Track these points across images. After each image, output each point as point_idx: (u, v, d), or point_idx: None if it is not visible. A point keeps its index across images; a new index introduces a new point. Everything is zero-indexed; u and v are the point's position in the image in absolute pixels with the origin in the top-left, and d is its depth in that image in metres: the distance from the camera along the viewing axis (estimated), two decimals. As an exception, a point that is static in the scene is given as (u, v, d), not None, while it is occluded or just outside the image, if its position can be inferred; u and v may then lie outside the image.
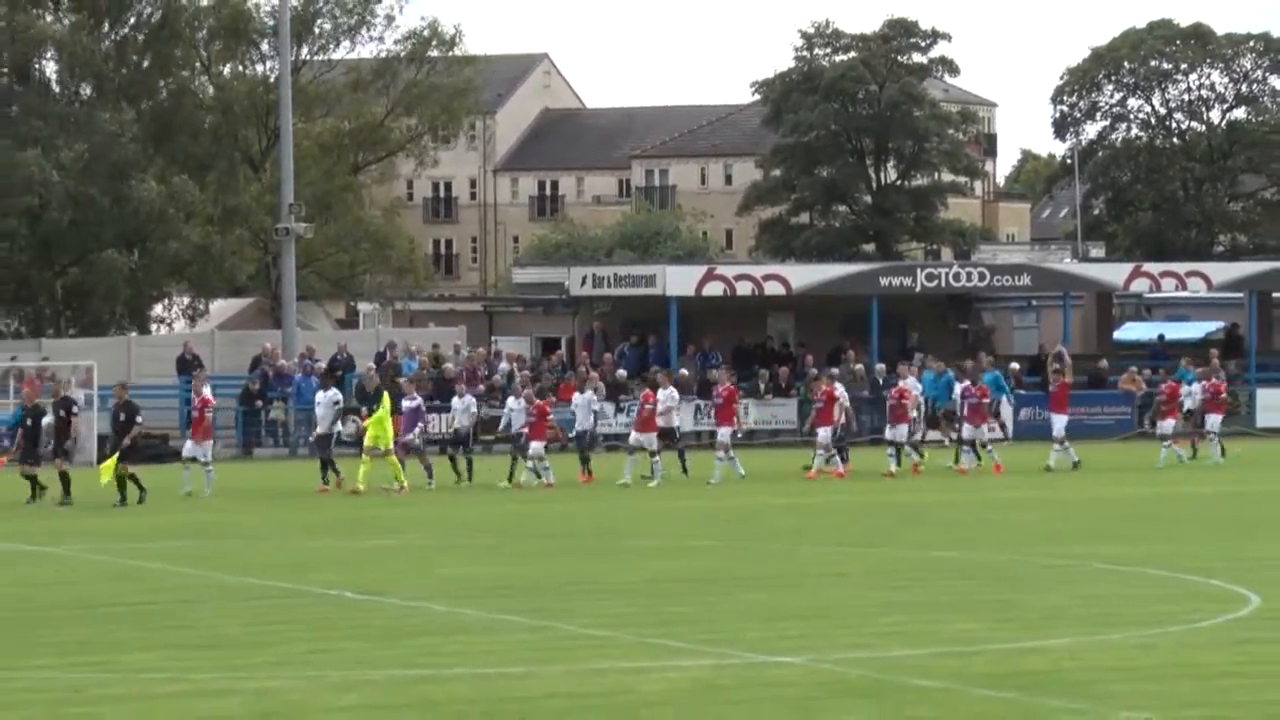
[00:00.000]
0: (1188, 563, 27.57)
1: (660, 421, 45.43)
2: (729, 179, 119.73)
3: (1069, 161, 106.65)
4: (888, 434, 47.33)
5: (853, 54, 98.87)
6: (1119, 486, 43.87)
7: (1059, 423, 48.37)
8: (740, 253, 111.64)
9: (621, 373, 61.16)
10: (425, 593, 25.30)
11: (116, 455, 40.32)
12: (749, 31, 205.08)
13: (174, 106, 72.27)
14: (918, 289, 64.78)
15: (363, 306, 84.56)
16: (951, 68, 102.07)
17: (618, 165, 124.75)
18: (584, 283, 66.32)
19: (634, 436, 45.58)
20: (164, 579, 27.79)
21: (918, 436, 48.24)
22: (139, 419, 41.31)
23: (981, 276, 66.72)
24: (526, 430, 44.44)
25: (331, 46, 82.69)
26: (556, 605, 23.94)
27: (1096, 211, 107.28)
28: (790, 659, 19.62)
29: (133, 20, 72.40)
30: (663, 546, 31.83)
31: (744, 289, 64.22)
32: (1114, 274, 69.03)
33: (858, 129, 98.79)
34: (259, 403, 59.40)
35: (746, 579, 26.91)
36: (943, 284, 65.55)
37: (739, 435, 47.83)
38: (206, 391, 44.14)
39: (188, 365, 60.03)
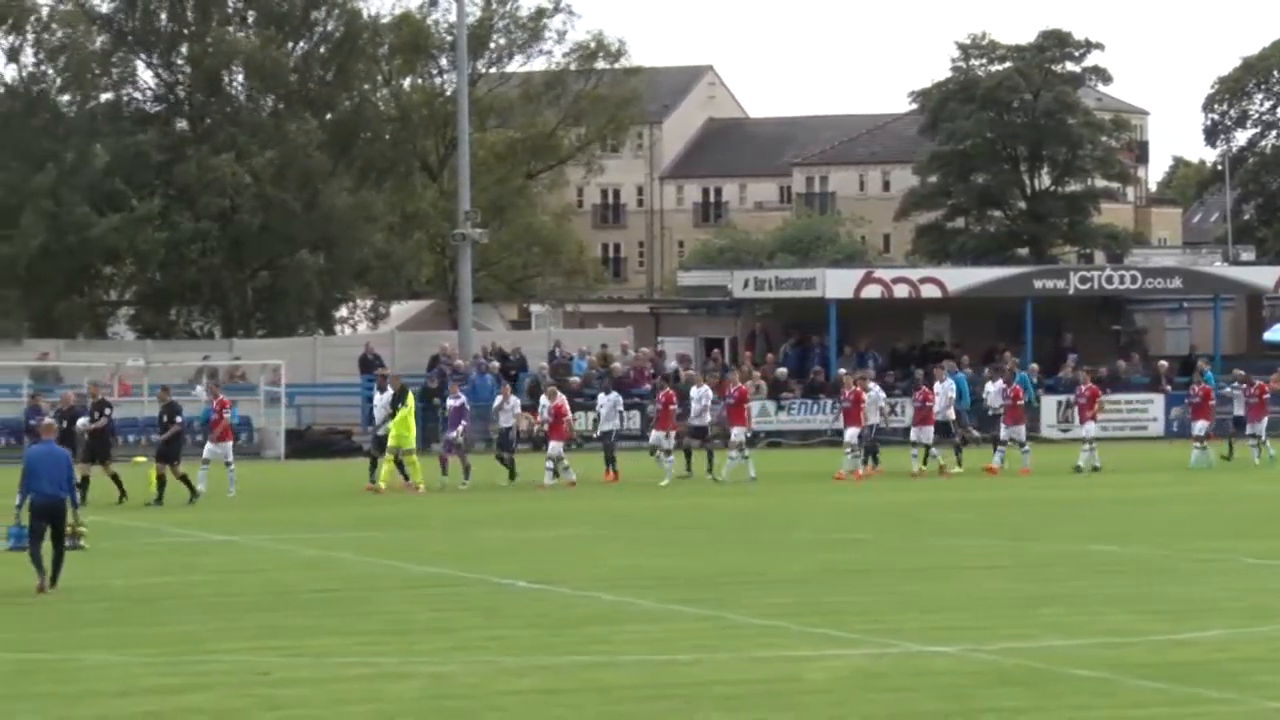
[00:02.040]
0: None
1: (696, 421, 44.94)
2: (887, 185, 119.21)
3: (1219, 168, 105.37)
4: (913, 435, 46.11)
5: (1008, 64, 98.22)
6: (1269, 483, 43.23)
7: (1199, 426, 47.62)
8: (898, 257, 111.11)
9: (782, 371, 61.18)
10: (595, 582, 25.38)
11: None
12: (906, 43, 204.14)
13: (356, 117, 72.85)
14: (1071, 291, 64.23)
15: (535, 308, 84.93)
16: (1104, 76, 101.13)
17: (779, 172, 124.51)
18: (746, 285, 66.46)
19: (733, 432, 44.75)
20: (349, 568, 28.05)
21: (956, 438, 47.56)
22: (179, 419, 40.85)
23: (1134, 279, 66.03)
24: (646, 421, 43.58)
25: (505, 60, 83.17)
26: (722, 595, 23.94)
27: (1247, 216, 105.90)
28: (947, 648, 19.52)
29: (317, 35, 73.09)
30: (822, 539, 31.75)
31: (901, 291, 63.97)
32: (1264, 276, 68.08)
33: (1012, 136, 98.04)
34: (436, 400, 59.78)
35: (904, 571, 26.78)
36: (1095, 286, 64.95)
37: (749, 434, 46.03)
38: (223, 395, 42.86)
39: (369, 365, 60.61)
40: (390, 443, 41.92)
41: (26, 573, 25.10)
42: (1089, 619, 21.55)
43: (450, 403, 44.06)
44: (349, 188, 69.19)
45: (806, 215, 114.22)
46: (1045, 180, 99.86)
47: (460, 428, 43.18)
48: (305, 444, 56.48)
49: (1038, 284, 64.28)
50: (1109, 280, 65.29)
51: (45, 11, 70.08)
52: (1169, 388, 59.37)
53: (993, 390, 48.17)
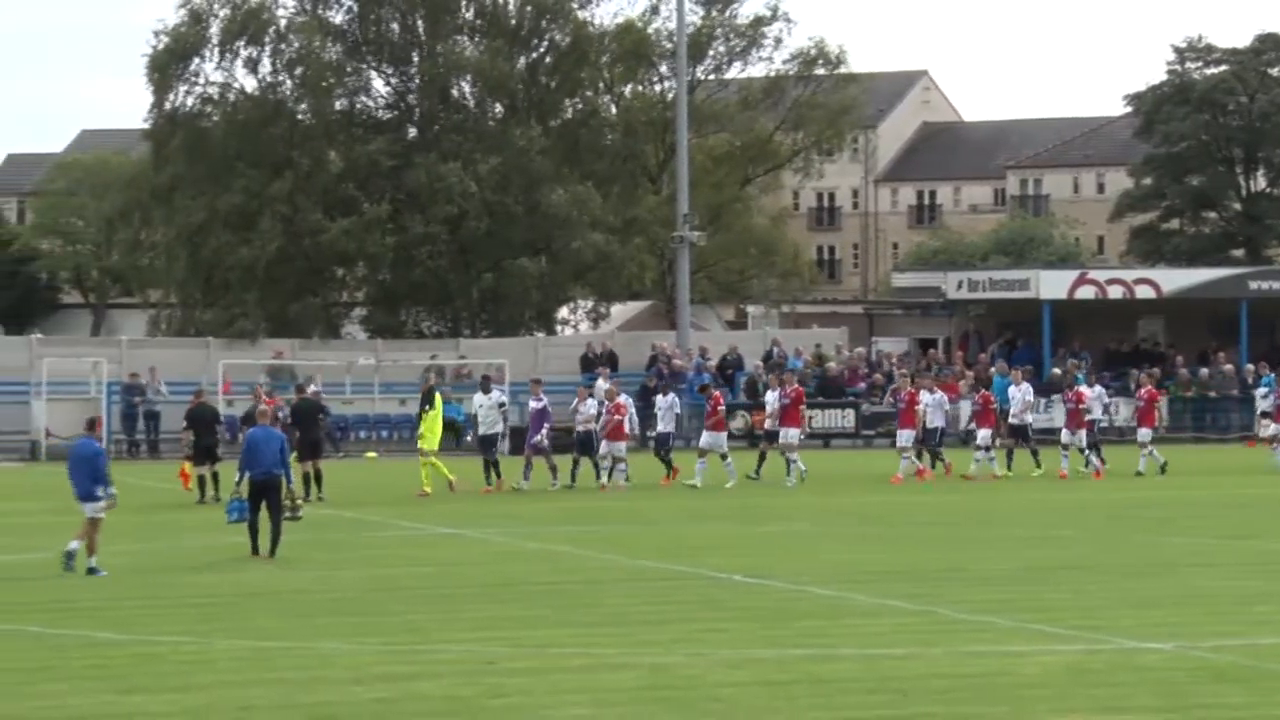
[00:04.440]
0: None
1: (768, 423, 43.97)
2: (1101, 188, 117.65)
3: None
4: (1064, 437, 44.90)
5: (1224, 67, 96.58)
6: None
7: None
8: (1112, 258, 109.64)
9: (993, 370, 60.54)
10: (810, 577, 25.28)
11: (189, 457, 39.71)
12: (1120, 46, 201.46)
13: (579, 124, 73.30)
14: (1286, 292, 63.08)
15: (751, 309, 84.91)
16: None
17: (993, 175, 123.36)
18: (960, 287, 65.98)
19: (783, 433, 43.81)
20: (570, 561, 28.19)
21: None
22: (219, 423, 40.93)
23: (1350, 281, 64.70)
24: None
25: (724, 67, 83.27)
26: (936, 590, 23.76)
27: None
28: (1160, 645, 19.22)
29: (544, 45, 73.61)
30: (1034, 536, 31.41)
31: (1115, 293, 63.20)
32: None
33: (1228, 139, 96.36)
34: (655, 398, 59.94)
35: (1116, 567, 26.41)
36: (1311, 288, 63.71)
37: (803, 437, 44.96)
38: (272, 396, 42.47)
39: (590, 364, 60.98)
40: (420, 445, 41.08)
41: (260, 568, 25.48)
42: (1304, 618, 21.12)
43: (533, 404, 42.77)
44: (570, 192, 69.63)
45: (1021, 217, 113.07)
46: (1261, 182, 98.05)
47: (545, 429, 42.22)
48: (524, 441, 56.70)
49: (1253, 285, 63.14)
50: (1325, 281, 64.04)
51: (283, 23, 71.26)
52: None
53: (1091, 395, 46.97)
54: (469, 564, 27.89)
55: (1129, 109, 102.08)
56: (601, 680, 17.64)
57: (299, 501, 29.03)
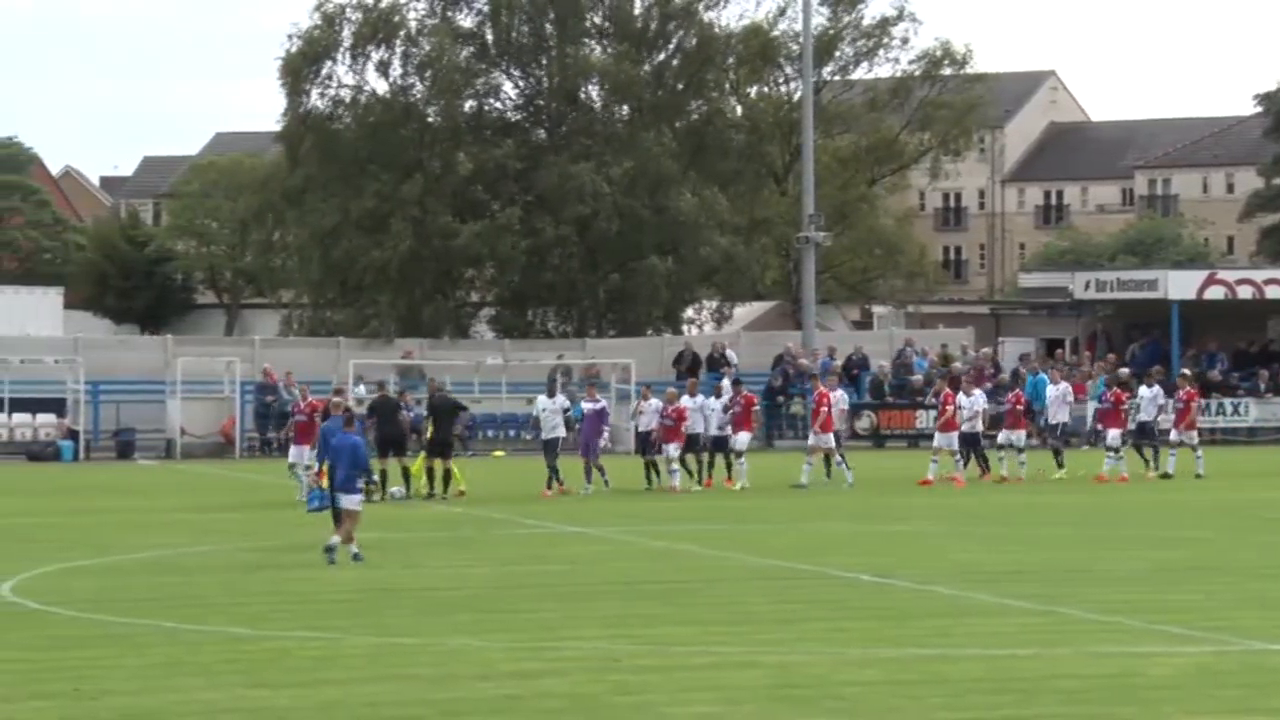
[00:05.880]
0: None
1: (836, 424, 43.27)
2: (1230, 187, 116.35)
3: None
4: (1110, 439, 44.14)
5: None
6: None
7: None
8: (1241, 258, 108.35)
9: (1123, 371, 59.99)
10: (935, 576, 25.12)
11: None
12: (1250, 45, 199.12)
13: (705, 126, 73.23)
14: None
15: (876, 309, 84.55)
16: None
17: (1121, 175, 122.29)
18: (1087, 287, 65.51)
19: (937, 438, 43.65)
20: (693, 559, 28.15)
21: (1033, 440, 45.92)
22: (407, 411, 41.04)
23: None
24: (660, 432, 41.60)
25: (851, 68, 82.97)
26: (1062, 591, 23.54)
27: None
28: (1291, 648, 18.95)
29: (670, 48, 73.61)
30: (1159, 536, 31.07)
31: (1245, 293, 62.55)
32: None
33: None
34: (780, 398, 59.91)
35: (1244, 568, 26.07)
36: None
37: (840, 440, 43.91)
38: (314, 397, 40.94)
39: (715, 364, 60.89)
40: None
41: (388, 561, 25.56)
42: None
43: (587, 407, 41.93)
44: (696, 192, 69.60)
45: (1149, 218, 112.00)
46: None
47: (605, 434, 41.61)
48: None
49: (1386, 284, 62.31)
50: None
51: (414, 27, 71.65)
52: None
53: (1146, 396, 46.34)
54: (595, 562, 27.92)
55: (1259, 108, 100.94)
56: (726, 678, 17.58)
57: (371, 488, 30.23)
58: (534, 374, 59.66)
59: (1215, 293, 62.27)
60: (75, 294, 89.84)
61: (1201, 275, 64.86)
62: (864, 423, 58.75)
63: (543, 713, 16.29)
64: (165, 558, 28.39)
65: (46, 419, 56.99)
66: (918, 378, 60.20)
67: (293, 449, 39.23)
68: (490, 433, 59.92)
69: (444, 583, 25.03)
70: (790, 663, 18.35)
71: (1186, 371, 49.66)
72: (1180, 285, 62.84)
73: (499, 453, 58.00)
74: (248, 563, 27.36)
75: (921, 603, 22.70)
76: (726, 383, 47.65)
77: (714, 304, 75.43)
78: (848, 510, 36.75)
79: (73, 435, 56.33)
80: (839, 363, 61.59)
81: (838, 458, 42.65)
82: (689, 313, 74.94)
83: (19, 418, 57.22)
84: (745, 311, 78.03)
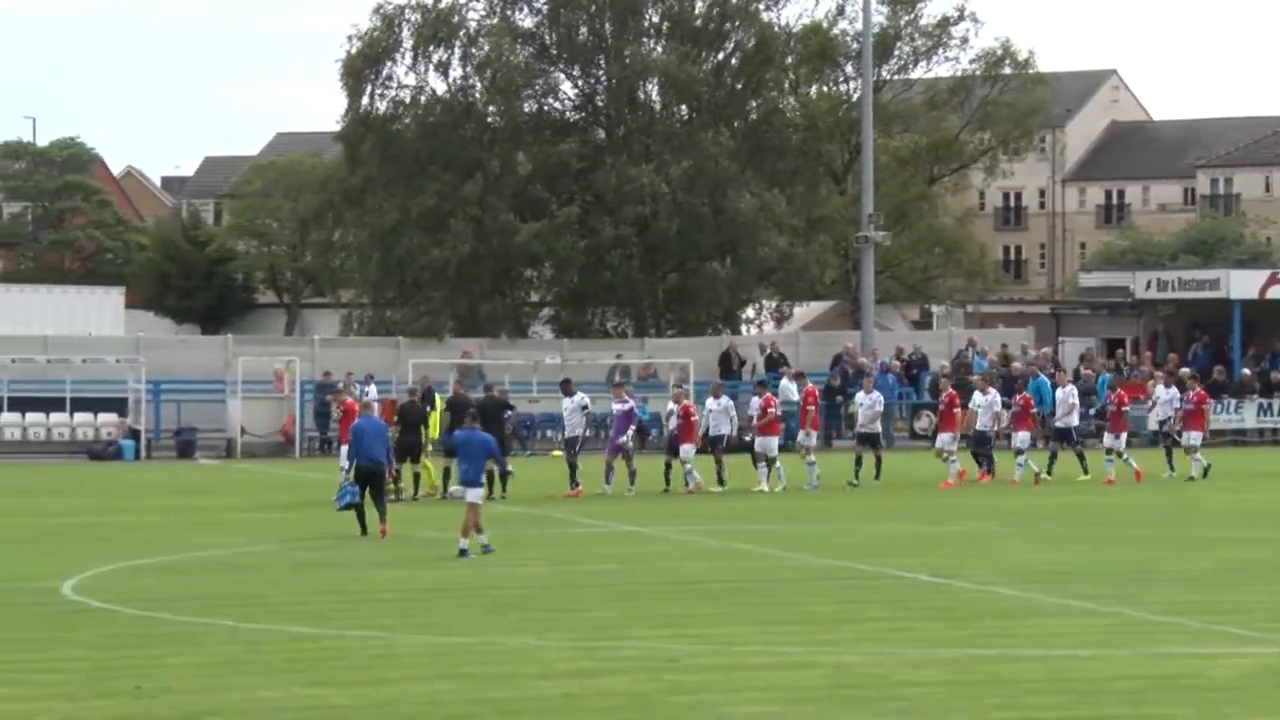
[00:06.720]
0: None
1: (870, 426, 42.79)
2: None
3: None
4: (1107, 441, 43.87)
5: None
6: None
7: None
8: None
9: (1185, 370, 59.64)
10: (994, 577, 25.01)
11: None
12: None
13: (764, 125, 73.09)
14: None
15: (935, 309, 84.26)
16: None
17: (1183, 174, 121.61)
18: (1148, 287, 65.19)
19: (939, 439, 43.22)
20: (752, 559, 28.10)
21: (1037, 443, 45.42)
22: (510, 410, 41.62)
23: None
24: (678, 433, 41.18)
25: (910, 67, 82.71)
26: (1123, 591, 23.40)
27: None
28: (1355, 650, 18.79)
29: (729, 47, 73.51)
30: (1222, 537, 30.86)
31: (1308, 293, 62.10)
32: None
33: None
34: (839, 398, 59.73)
35: (1309, 571, 25.90)
36: None
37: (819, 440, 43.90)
38: (348, 399, 40.91)
39: (774, 363, 60.79)
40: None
41: (451, 565, 25.61)
42: None
43: (617, 407, 41.49)
44: (755, 193, 69.49)
45: (1211, 217, 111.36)
46: None
47: (630, 432, 41.16)
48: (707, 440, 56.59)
49: None
50: None
51: (473, 27, 71.72)
52: None
53: (1164, 397, 45.91)
54: (652, 561, 27.89)
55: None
56: (785, 678, 17.53)
57: (402, 487, 32.36)
58: (593, 374, 59.64)
59: (1277, 292, 61.88)
60: (136, 294, 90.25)
61: (1264, 275, 64.44)
62: (923, 423, 58.50)
63: (599, 711, 16.27)
64: (225, 556, 28.50)
65: (108, 418, 57.25)
66: (977, 378, 59.93)
67: (343, 449, 39.31)
68: (549, 432, 59.90)
69: (503, 581, 25.04)
70: (849, 663, 18.29)
71: (1186, 370, 49.44)
72: (1242, 285, 62.46)
73: (557, 453, 57.94)
74: (307, 561, 27.42)
75: (981, 603, 22.61)
76: (786, 382, 47.53)
77: (773, 304, 75.29)
78: (908, 511, 36.63)
79: (134, 435, 56.58)
80: (896, 362, 61.31)
81: (811, 460, 42.00)
82: (749, 312, 74.80)
83: (81, 417, 57.52)
84: (804, 311, 77.87)
